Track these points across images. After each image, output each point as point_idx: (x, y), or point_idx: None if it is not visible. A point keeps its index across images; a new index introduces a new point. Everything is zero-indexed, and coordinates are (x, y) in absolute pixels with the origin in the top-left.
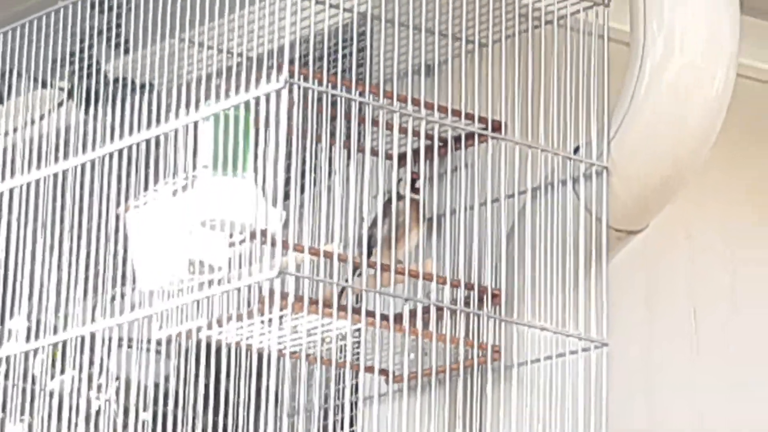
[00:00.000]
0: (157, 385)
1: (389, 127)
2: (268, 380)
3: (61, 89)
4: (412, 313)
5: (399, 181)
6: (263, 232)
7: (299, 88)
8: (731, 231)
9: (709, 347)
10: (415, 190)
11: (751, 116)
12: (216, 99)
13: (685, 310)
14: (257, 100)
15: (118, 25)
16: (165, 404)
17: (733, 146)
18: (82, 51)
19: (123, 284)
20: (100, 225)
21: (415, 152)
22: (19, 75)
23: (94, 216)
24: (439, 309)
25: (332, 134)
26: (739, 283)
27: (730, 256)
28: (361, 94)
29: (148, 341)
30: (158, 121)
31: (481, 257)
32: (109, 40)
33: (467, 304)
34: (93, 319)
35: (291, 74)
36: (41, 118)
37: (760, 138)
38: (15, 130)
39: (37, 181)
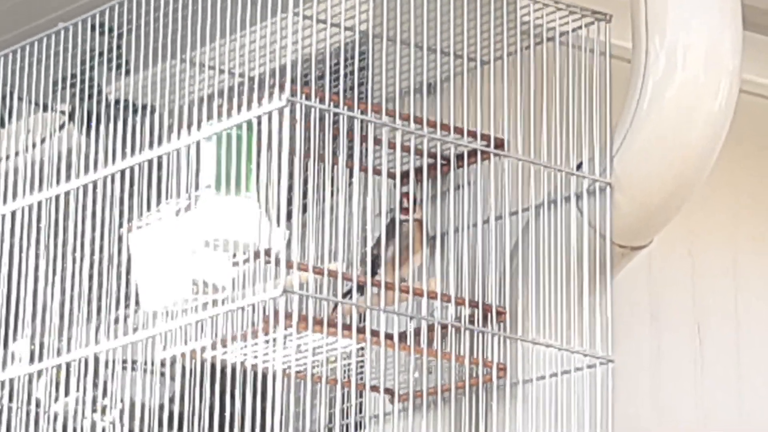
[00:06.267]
0: (161, 407)
1: (392, 145)
2: (272, 400)
3: (62, 112)
4: (417, 332)
5: (401, 198)
6: (266, 252)
7: (301, 106)
8: (735, 246)
9: (714, 362)
10: (404, 210)
11: (754, 132)
12: (218, 119)
13: (689, 325)
14: (259, 119)
15: (119, 47)
16: (170, 426)
17: (736, 161)
18: (82, 73)
19: (126, 305)
20: (102, 246)
21: (418, 170)
22: (20, 98)
23: (97, 237)
24: (444, 327)
25: (334, 153)
26: (742, 298)
27: (734, 271)
28: (363, 112)
29: (153, 363)
30: (160, 141)
31: (485, 275)
32: (109, 61)
33: (472, 321)
34: (96, 341)
35: (293, 93)
36: (42, 141)
37: (763, 153)
38: (16, 153)
39: (39, 203)
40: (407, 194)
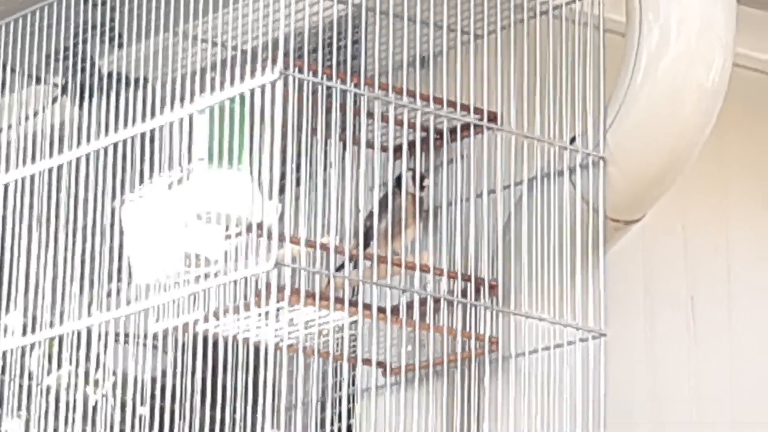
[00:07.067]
0: (154, 380)
1: (385, 119)
2: (265, 373)
3: (55, 85)
4: (410, 305)
5: (399, 176)
6: (259, 225)
7: (294, 79)
8: (727, 219)
9: (707, 335)
10: (421, 187)
11: (747, 106)
12: (211, 92)
13: (683, 299)
14: (252, 92)
15: (112, 20)
16: (162, 399)
17: (729, 135)
18: (75, 46)
19: (119, 278)
20: (95, 219)
21: (411, 144)
22: (13, 70)
23: (90, 210)
24: (437, 300)
25: (328, 126)
26: (735, 271)
27: (726, 245)
28: (356, 85)
29: (145, 336)
30: (153, 114)
31: (478, 248)
32: (102, 34)
33: (464, 295)
34: (89, 314)
35: (286, 66)
36: (35, 114)
37: (757, 127)
38: (9, 126)
39: (32, 176)
40: (420, 174)
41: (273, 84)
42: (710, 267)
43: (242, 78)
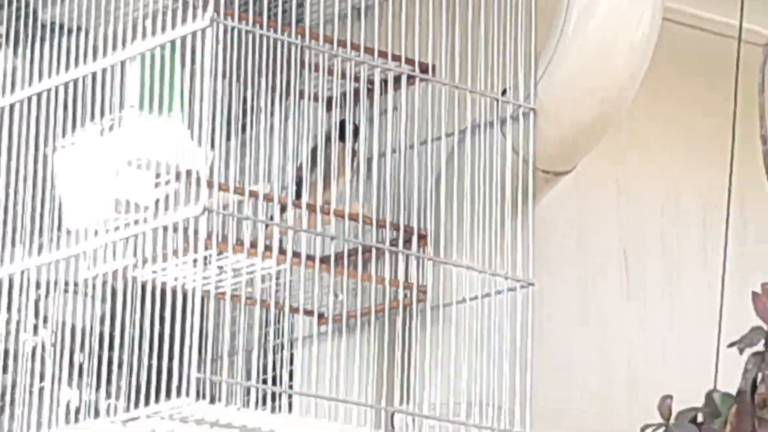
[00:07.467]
0: (87, 327)
1: (317, 69)
2: (191, 320)
3: None
4: (340, 254)
5: (330, 127)
6: (188, 172)
7: (225, 27)
8: (660, 173)
9: (640, 287)
10: (355, 137)
11: (679, 59)
12: (143, 38)
13: (615, 251)
14: (183, 39)
15: None
16: (98, 346)
17: (662, 88)
18: None
19: (51, 226)
20: (27, 166)
21: (344, 95)
22: None
23: (22, 156)
24: (367, 250)
25: (259, 75)
26: (668, 225)
27: (659, 198)
28: (288, 34)
29: (76, 283)
30: (85, 61)
31: (409, 198)
32: None
33: (395, 244)
34: (21, 259)
35: (217, 13)
36: None
37: (689, 81)
38: None
39: None
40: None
41: (203, 31)
42: (643, 219)
43: (173, 25)
